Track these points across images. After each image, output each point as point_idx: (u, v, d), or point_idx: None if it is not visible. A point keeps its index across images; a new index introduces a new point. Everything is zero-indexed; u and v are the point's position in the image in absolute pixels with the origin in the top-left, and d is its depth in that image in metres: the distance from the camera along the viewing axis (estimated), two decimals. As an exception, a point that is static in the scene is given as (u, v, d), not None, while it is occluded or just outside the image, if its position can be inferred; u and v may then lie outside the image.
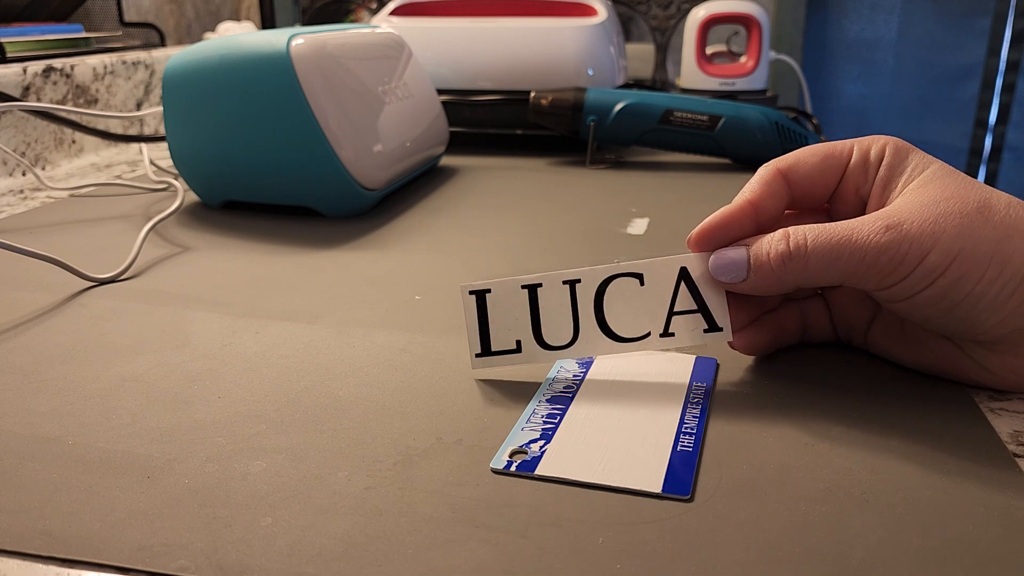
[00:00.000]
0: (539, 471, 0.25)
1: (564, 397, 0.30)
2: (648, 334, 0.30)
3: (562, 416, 0.28)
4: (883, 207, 0.29)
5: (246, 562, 0.21)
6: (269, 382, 0.31)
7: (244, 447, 0.26)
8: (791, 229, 0.28)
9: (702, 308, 0.30)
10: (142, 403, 0.29)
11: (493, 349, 0.29)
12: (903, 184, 0.29)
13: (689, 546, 0.22)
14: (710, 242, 0.30)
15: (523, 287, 0.29)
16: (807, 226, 0.28)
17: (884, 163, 0.30)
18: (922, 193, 0.28)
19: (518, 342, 0.29)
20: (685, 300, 0.30)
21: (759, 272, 0.29)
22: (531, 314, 0.29)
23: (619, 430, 0.27)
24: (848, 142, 0.31)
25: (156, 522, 0.23)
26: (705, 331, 0.30)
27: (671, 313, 0.30)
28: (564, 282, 0.29)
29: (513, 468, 0.25)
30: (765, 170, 0.31)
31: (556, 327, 0.29)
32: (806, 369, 0.32)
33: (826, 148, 0.31)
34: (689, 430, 0.27)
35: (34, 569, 0.21)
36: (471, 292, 0.29)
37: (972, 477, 0.24)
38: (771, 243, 0.28)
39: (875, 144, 0.31)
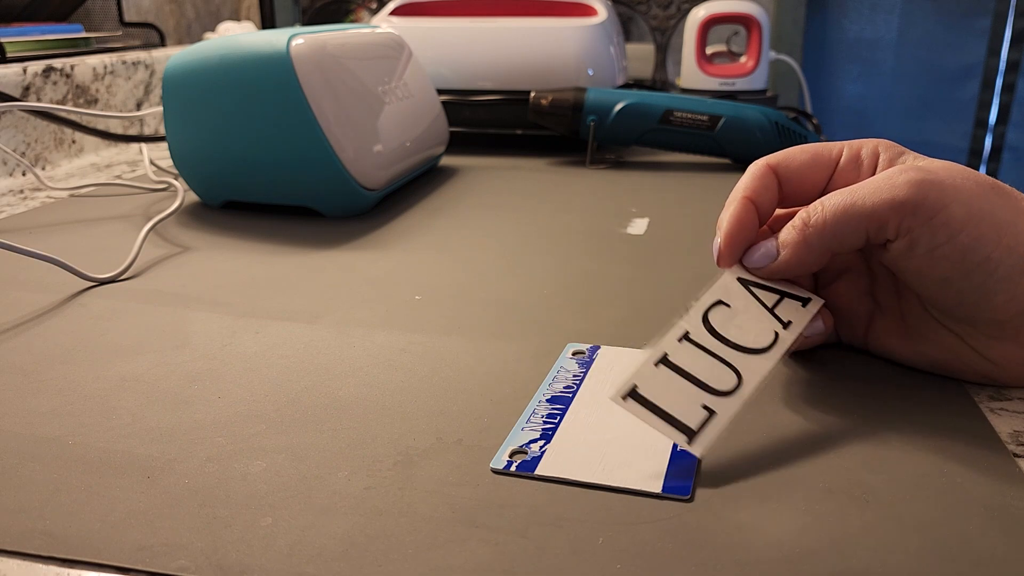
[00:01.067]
0: (539, 471, 0.25)
1: (564, 397, 0.30)
2: (776, 334, 0.29)
3: (562, 416, 0.28)
4: None
5: (246, 562, 0.21)
6: (269, 382, 0.31)
7: (244, 447, 0.26)
8: (807, 205, 0.29)
9: (784, 294, 0.30)
10: (142, 403, 0.29)
11: (695, 428, 0.25)
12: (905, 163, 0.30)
13: (689, 546, 0.22)
14: (737, 251, 0.30)
15: (656, 364, 0.26)
16: (825, 196, 0.29)
17: (881, 158, 0.30)
18: (933, 162, 0.29)
19: (706, 407, 0.26)
20: (768, 296, 0.30)
21: (787, 244, 0.29)
22: (689, 380, 0.26)
23: (619, 430, 0.27)
24: (839, 144, 0.32)
25: (156, 522, 0.23)
26: (804, 307, 0.30)
27: (771, 310, 0.29)
28: (680, 340, 0.27)
29: (513, 468, 0.25)
30: (755, 166, 0.31)
31: (716, 375, 0.26)
32: (806, 369, 0.32)
33: (815, 146, 0.32)
34: (689, 430, 0.27)
35: (34, 569, 0.21)
36: (625, 397, 0.25)
37: (972, 477, 0.24)
38: (791, 221, 0.29)
39: (866, 145, 0.31)
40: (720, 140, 0.67)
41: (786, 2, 1.70)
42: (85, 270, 0.42)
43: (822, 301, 0.30)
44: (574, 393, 0.30)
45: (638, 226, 0.51)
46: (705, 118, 0.67)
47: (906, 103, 1.96)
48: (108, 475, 0.25)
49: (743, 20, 1.01)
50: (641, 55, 1.34)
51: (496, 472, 0.25)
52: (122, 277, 0.43)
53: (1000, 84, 1.86)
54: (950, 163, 0.29)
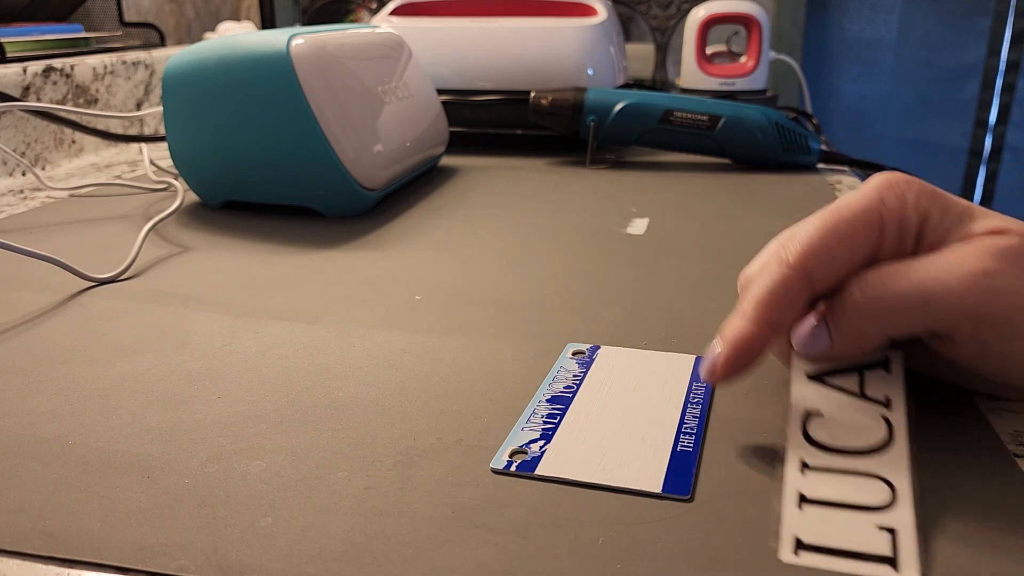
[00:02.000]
0: (539, 471, 0.25)
1: (564, 397, 0.30)
2: (886, 420, 0.25)
3: (562, 416, 0.28)
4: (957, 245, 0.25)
5: (246, 562, 0.21)
6: (269, 382, 0.31)
7: (244, 447, 0.26)
8: (863, 276, 0.25)
9: (860, 368, 0.27)
10: (142, 403, 0.29)
11: (887, 555, 0.22)
12: (968, 235, 0.25)
13: (689, 546, 0.22)
14: (736, 374, 0.26)
15: (800, 506, 0.23)
16: (882, 268, 0.25)
17: (929, 224, 0.26)
18: (1010, 245, 0.24)
19: (882, 527, 0.22)
20: (849, 381, 0.27)
21: (840, 331, 0.25)
22: (842, 506, 0.23)
23: (619, 430, 0.27)
24: (874, 208, 0.26)
25: (156, 522, 0.23)
26: (888, 371, 0.27)
27: (862, 396, 0.26)
28: (802, 471, 0.24)
29: (513, 468, 0.25)
30: (782, 273, 0.25)
31: (863, 490, 0.24)
32: (806, 369, 0.32)
33: (851, 222, 0.26)
34: (689, 430, 0.27)
35: (34, 569, 0.21)
36: (796, 552, 0.22)
37: (972, 477, 0.24)
38: (846, 298, 0.25)
39: (908, 204, 0.26)
40: (720, 140, 0.67)
41: (786, 2, 1.70)
42: (85, 270, 0.42)
43: (901, 354, 0.27)
44: (574, 393, 0.30)
45: (638, 226, 0.51)
46: (705, 118, 0.67)
47: (906, 103, 1.96)
48: (108, 475, 0.25)
49: (743, 20, 1.01)
50: (641, 55, 1.34)
51: (496, 472, 0.25)
52: (122, 277, 0.43)
53: (1000, 84, 1.86)
54: (1019, 236, 0.24)
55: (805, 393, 0.26)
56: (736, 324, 0.26)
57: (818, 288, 0.26)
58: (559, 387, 0.30)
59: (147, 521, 0.23)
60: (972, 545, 0.22)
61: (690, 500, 0.24)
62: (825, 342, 0.26)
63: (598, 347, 0.34)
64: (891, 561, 0.21)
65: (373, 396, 0.30)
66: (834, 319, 0.26)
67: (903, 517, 0.23)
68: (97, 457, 0.26)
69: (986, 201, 1.92)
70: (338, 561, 0.21)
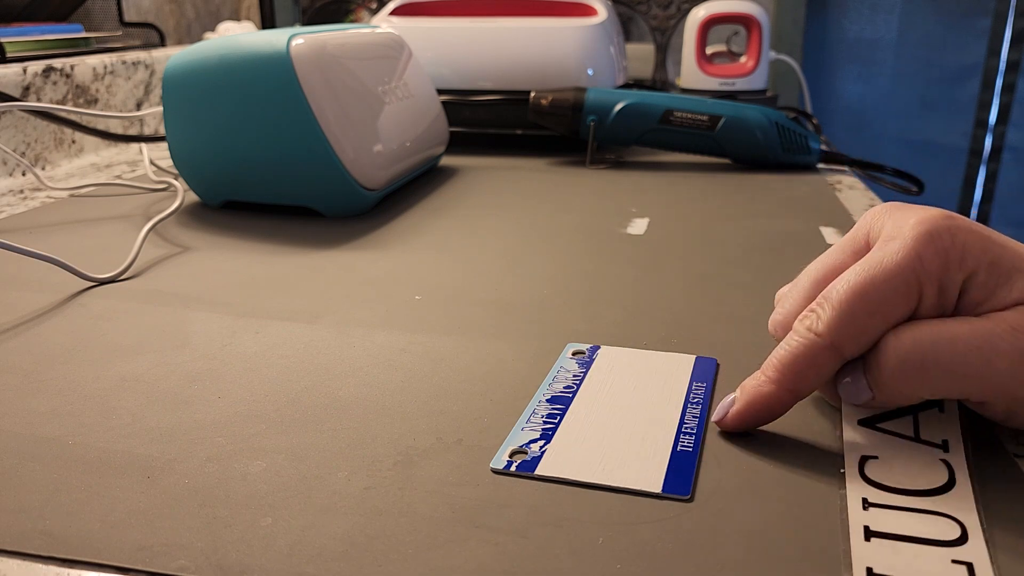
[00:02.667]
0: (539, 471, 0.25)
1: (564, 397, 0.30)
2: (947, 463, 0.25)
3: (562, 416, 0.28)
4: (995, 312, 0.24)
5: (246, 562, 0.21)
6: (269, 382, 0.31)
7: (244, 447, 0.26)
8: (902, 329, 0.24)
9: (912, 410, 0.27)
10: (142, 403, 0.29)
11: None
12: (1015, 298, 0.24)
13: (689, 546, 0.22)
14: (745, 427, 0.26)
15: (867, 539, 0.22)
16: (923, 324, 0.24)
17: (973, 283, 0.24)
18: None
19: (957, 561, 0.21)
20: (902, 425, 0.26)
21: (879, 387, 0.25)
22: (912, 540, 0.22)
23: (619, 430, 0.27)
24: (912, 273, 0.24)
25: (156, 522, 0.23)
26: (942, 412, 0.27)
27: (918, 439, 0.26)
28: (864, 508, 0.23)
29: (513, 468, 0.25)
30: (814, 347, 0.25)
31: (930, 527, 0.22)
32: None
33: (886, 292, 0.24)
34: (689, 430, 0.27)
35: (34, 569, 0.21)
36: None
37: (972, 477, 0.24)
38: (879, 357, 0.24)
39: (951, 264, 0.24)
40: (720, 140, 0.67)
41: (786, 2, 1.70)
42: (85, 270, 0.42)
43: (955, 401, 0.26)
44: (574, 393, 0.30)
45: (638, 226, 0.51)
46: (705, 118, 0.67)
47: (906, 103, 1.96)
48: (108, 475, 0.25)
49: (743, 20, 1.01)
50: (641, 55, 1.34)
51: (496, 472, 0.25)
52: (122, 277, 0.43)
53: (1000, 84, 1.86)
54: None
55: (857, 439, 0.26)
56: (758, 382, 0.26)
57: (848, 355, 0.25)
58: (559, 387, 0.30)
59: (147, 521, 0.23)
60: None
61: (690, 500, 0.24)
62: (867, 395, 0.25)
63: (598, 347, 0.34)
64: None
65: (373, 396, 0.30)
66: (871, 377, 0.25)
67: (978, 552, 0.22)
68: (97, 457, 0.26)
69: (986, 201, 1.92)
70: (338, 561, 0.21)
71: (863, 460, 0.25)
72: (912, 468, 0.25)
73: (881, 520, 0.23)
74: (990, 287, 0.24)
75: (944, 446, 0.25)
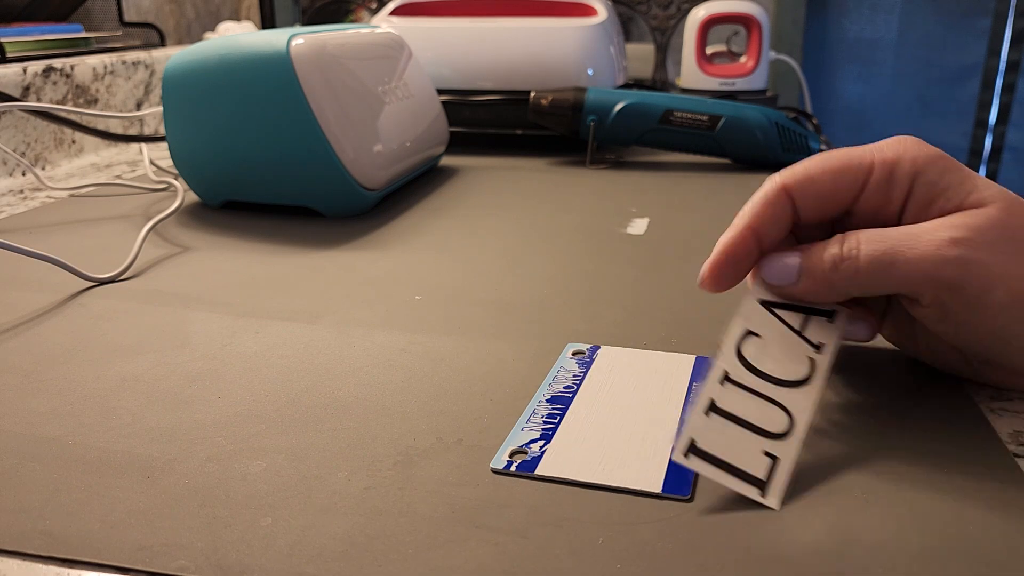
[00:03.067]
0: (539, 471, 0.25)
1: (564, 397, 0.30)
2: (812, 360, 0.27)
3: (562, 416, 0.28)
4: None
5: (246, 562, 0.21)
6: (269, 382, 0.31)
7: (244, 447, 0.26)
8: (846, 234, 0.27)
9: (809, 311, 0.28)
10: (142, 403, 0.29)
11: (763, 478, 0.24)
12: (954, 203, 0.26)
13: (689, 546, 0.22)
14: (722, 283, 0.28)
15: (706, 412, 0.25)
16: (861, 231, 0.26)
17: (920, 180, 0.27)
18: (987, 215, 0.26)
19: (766, 453, 0.25)
20: (794, 318, 0.28)
21: (810, 275, 0.27)
22: (742, 425, 0.25)
23: (619, 430, 0.27)
24: (868, 153, 0.28)
25: (156, 522, 0.23)
26: (831, 321, 0.28)
27: (800, 333, 0.28)
28: (722, 383, 0.26)
29: (513, 468, 0.25)
30: (769, 187, 0.28)
31: (767, 417, 0.26)
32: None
33: (842, 159, 0.28)
34: (689, 430, 0.27)
35: (34, 569, 0.21)
36: (687, 454, 0.24)
37: (972, 477, 0.24)
38: (824, 248, 0.27)
39: (903, 159, 0.27)
40: (720, 140, 0.67)
41: (786, 2, 1.70)
42: (85, 270, 0.42)
43: (846, 311, 0.28)
44: (574, 393, 0.30)
45: (638, 226, 0.51)
46: (705, 118, 0.67)
47: (906, 103, 1.96)
48: (108, 475, 0.25)
49: (743, 20, 1.01)
50: (641, 55, 1.34)
51: (496, 472, 0.25)
52: (122, 277, 0.43)
53: (1000, 84, 1.86)
54: (1001, 208, 0.26)
55: (751, 314, 0.28)
56: (725, 234, 0.29)
57: (802, 212, 0.28)
58: (559, 387, 0.30)
59: (147, 521, 0.23)
60: (972, 545, 0.22)
61: (690, 500, 0.24)
62: (791, 278, 0.28)
63: (598, 347, 0.34)
64: (762, 485, 0.24)
65: (373, 396, 0.30)
66: (808, 263, 0.27)
67: (789, 451, 0.25)
68: (97, 457, 0.26)
69: (986, 201, 1.92)
70: (338, 561, 0.21)
71: (746, 334, 0.27)
72: (780, 355, 0.27)
73: (729, 398, 0.26)
74: (939, 188, 0.27)
75: (818, 348, 0.27)
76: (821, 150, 0.67)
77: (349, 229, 0.51)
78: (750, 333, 0.28)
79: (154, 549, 0.22)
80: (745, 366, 0.27)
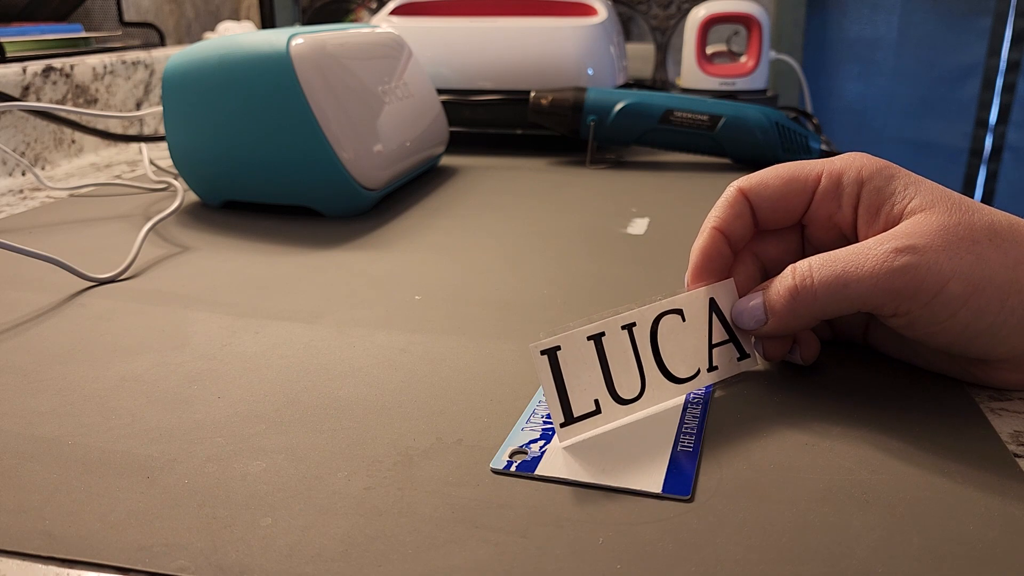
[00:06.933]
0: (539, 471, 0.25)
1: (564, 397, 0.30)
2: (698, 372, 0.29)
3: (562, 416, 0.28)
4: (882, 232, 0.28)
5: (246, 562, 0.21)
6: (269, 382, 0.31)
7: (244, 447, 0.26)
8: (796, 264, 0.28)
9: (732, 338, 0.30)
10: (142, 403, 0.29)
11: (576, 415, 0.26)
12: (899, 208, 0.28)
13: (689, 546, 0.22)
14: (704, 282, 0.30)
15: (588, 338, 0.27)
16: (812, 257, 0.28)
17: (867, 188, 0.29)
18: (928, 219, 0.27)
19: (596, 402, 0.27)
20: (719, 332, 0.30)
21: (775, 313, 0.28)
22: (602, 369, 0.27)
23: (619, 430, 0.27)
24: (818, 165, 0.30)
25: (156, 522, 0.23)
26: (738, 359, 0.30)
27: (711, 346, 0.30)
28: (622, 327, 0.27)
29: (513, 468, 0.25)
30: (729, 191, 0.31)
31: (626, 379, 0.27)
32: (805, 369, 0.32)
33: (792, 170, 0.30)
34: (689, 430, 0.27)
35: (34, 569, 0.21)
36: (543, 352, 0.26)
37: (972, 477, 0.24)
38: (779, 282, 0.28)
39: (849, 169, 0.29)
40: (720, 140, 0.67)
41: (786, 2, 1.70)
42: (85, 270, 0.42)
43: (758, 365, 0.31)
44: (574, 393, 0.30)
45: (638, 226, 0.51)
46: (705, 118, 0.67)
47: (906, 103, 1.96)
48: (108, 475, 0.25)
49: (743, 20, 1.01)
50: (641, 55, 1.34)
51: (496, 472, 0.25)
52: (122, 277, 0.43)
53: (1000, 84, 1.86)
54: (943, 210, 0.27)
55: (695, 302, 0.29)
56: (696, 240, 0.31)
57: (759, 214, 0.30)
58: (559, 387, 0.30)
59: (147, 521, 0.23)
60: (972, 545, 0.22)
61: (690, 500, 0.24)
62: (761, 318, 0.29)
63: (598, 347, 0.34)
64: (569, 420, 0.26)
65: (373, 396, 0.30)
66: (769, 299, 0.29)
67: (613, 415, 0.27)
68: (97, 457, 0.26)
69: (986, 201, 1.92)
70: (338, 561, 0.21)
71: (676, 311, 0.29)
72: (683, 351, 0.29)
73: (615, 343, 0.27)
74: (886, 194, 0.28)
75: (711, 368, 0.30)
76: (821, 150, 0.67)
77: (349, 229, 0.51)
78: (680, 312, 0.29)
79: (154, 549, 0.22)
80: (651, 332, 0.28)
